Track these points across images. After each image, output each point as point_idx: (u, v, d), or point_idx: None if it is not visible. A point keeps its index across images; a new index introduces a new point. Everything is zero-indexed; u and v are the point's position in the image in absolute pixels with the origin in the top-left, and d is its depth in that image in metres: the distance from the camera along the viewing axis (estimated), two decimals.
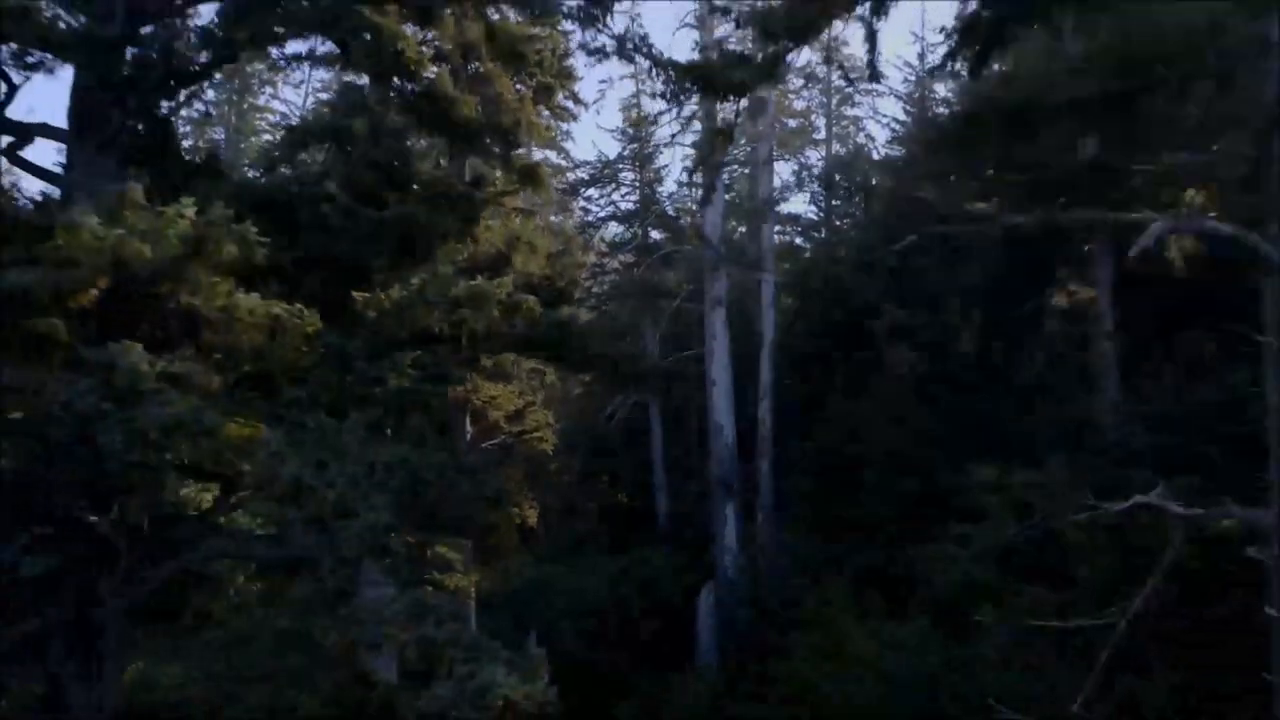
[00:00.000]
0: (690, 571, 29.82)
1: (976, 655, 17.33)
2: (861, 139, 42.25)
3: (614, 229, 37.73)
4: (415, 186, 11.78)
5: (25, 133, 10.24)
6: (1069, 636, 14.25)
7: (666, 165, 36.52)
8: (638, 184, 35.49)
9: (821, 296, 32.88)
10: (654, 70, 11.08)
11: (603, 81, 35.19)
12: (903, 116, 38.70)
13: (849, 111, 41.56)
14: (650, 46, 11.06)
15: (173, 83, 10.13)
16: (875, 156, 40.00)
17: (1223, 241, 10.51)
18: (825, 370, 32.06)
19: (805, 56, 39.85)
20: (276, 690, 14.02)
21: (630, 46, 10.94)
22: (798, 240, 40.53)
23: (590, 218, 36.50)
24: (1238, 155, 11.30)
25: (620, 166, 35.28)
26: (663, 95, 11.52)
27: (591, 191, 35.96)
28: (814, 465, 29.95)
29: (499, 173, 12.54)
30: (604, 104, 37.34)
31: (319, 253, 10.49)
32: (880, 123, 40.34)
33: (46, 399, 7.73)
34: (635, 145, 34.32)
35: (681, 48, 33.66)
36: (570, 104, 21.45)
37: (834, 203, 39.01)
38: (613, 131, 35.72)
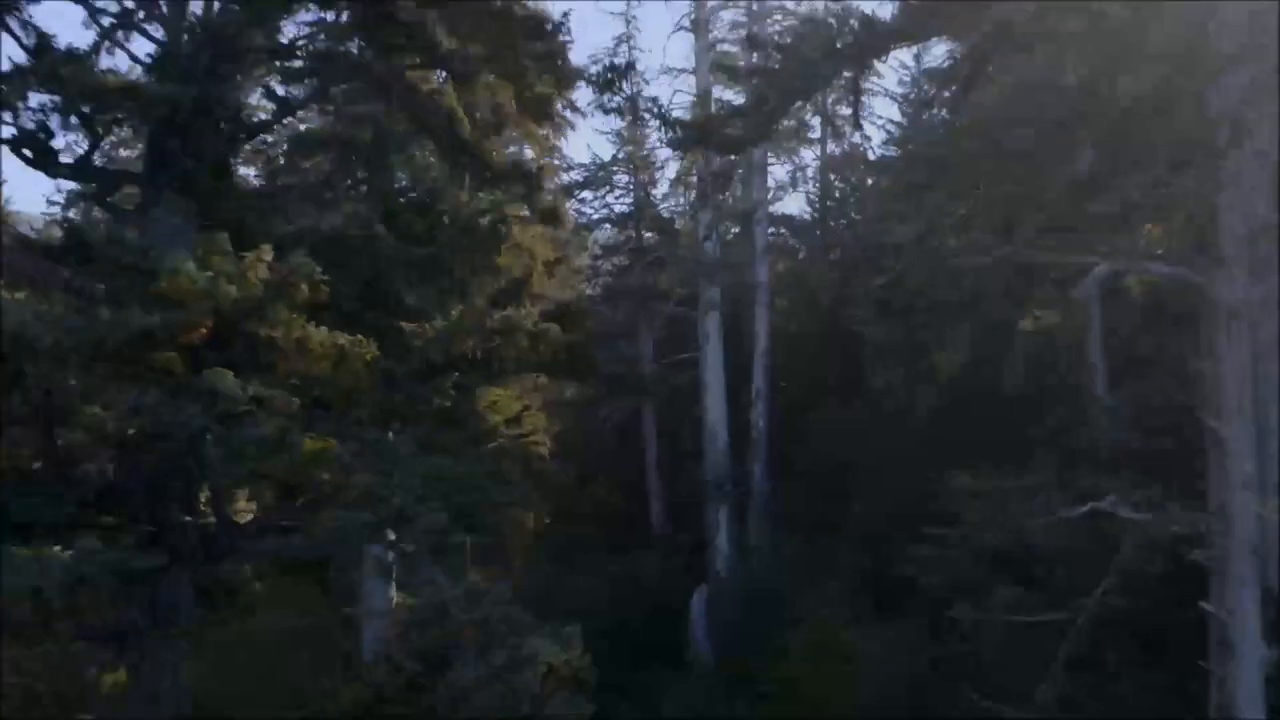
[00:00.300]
0: (684, 574, 31.73)
1: (966, 654, 19.35)
2: (857, 139, 44.06)
3: (608, 231, 39.61)
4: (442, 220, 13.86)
5: (113, 180, 12.25)
6: (1047, 634, 16.38)
7: (661, 168, 38.19)
8: (632, 187, 37.46)
9: (812, 303, 34.96)
10: (662, 128, 13.07)
11: None
12: (898, 117, 40.61)
13: (844, 111, 43.40)
14: (660, 107, 13.13)
15: (240, 135, 12.19)
16: (870, 157, 41.82)
17: None
18: (817, 374, 34.16)
19: None
20: (305, 679, 16.02)
21: (642, 107, 12.97)
22: (791, 242, 42.32)
23: (584, 220, 38.33)
24: (1189, 195, 13.37)
25: (614, 169, 37.22)
26: (668, 144, 13.50)
27: (585, 194, 37.82)
28: (807, 468, 32.04)
29: (524, 209, 14.60)
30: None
31: (364, 285, 12.54)
32: (875, 124, 42.12)
33: (161, 419, 9.77)
34: (630, 148, 36.26)
35: (677, 52, 35.38)
36: (568, 113, 23.38)
37: (828, 204, 41.00)
38: (607, 134, 37.68)
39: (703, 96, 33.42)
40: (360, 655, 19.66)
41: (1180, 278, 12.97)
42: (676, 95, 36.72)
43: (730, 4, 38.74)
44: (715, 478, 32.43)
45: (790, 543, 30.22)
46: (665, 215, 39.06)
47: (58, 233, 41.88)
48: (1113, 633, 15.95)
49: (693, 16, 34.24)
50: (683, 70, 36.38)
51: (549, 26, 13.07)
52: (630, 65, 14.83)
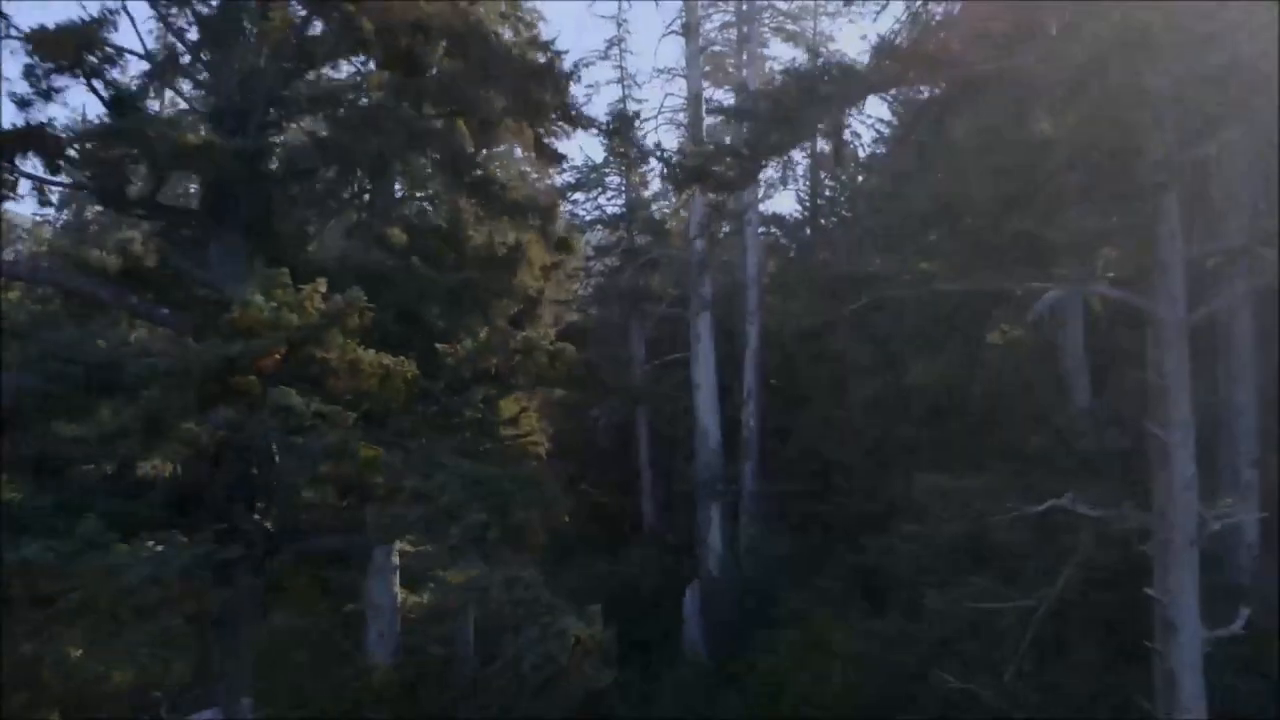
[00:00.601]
0: (676, 572, 33.80)
1: (946, 642, 21.62)
2: (847, 135, 46.11)
3: (600, 232, 41.78)
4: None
5: (180, 217, 14.49)
6: (1017, 621, 18.75)
7: (652, 169, 40.45)
8: (624, 188, 39.63)
9: (802, 303, 37.11)
10: (663, 170, 15.39)
11: (589, 86, 39.44)
12: (888, 115, 42.80)
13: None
14: (663, 151, 15.44)
15: (286, 176, 14.42)
16: (861, 154, 43.99)
17: None
18: (809, 373, 36.32)
19: (790, 53, 44.62)
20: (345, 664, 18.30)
21: (646, 151, 15.23)
22: (782, 241, 44.47)
23: (576, 221, 40.46)
24: (1132, 222, 15.76)
25: (606, 171, 39.37)
26: (668, 180, 15.76)
27: (577, 195, 39.98)
28: (797, 466, 34.18)
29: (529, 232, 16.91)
30: (590, 108, 41.34)
31: (400, 311, 14.80)
32: (865, 122, 44.39)
33: (241, 433, 12.03)
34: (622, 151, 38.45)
35: (669, 53, 37.23)
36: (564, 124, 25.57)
37: (818, 202, 43.17)
38: (599, 137, 39.78)
39: (693, 99, 35.71)
40: (365, 649, 21.89)
41: (1128, 300, 15.35)
42: (668, 99, 39.22)
43: (720, 5, 41.06)
44: (707, 476, 34.46)
45: (781, 540, 32.43)
46: (657, 217, 41.09)
47: (48, 232, 43.60)
48: (1074, 617, 18.32)
49: (684, 20, 36.35)
50: (674, 72, 38.75)
51: (562, 77, 15.37)
52: (636, 114, 17.10)
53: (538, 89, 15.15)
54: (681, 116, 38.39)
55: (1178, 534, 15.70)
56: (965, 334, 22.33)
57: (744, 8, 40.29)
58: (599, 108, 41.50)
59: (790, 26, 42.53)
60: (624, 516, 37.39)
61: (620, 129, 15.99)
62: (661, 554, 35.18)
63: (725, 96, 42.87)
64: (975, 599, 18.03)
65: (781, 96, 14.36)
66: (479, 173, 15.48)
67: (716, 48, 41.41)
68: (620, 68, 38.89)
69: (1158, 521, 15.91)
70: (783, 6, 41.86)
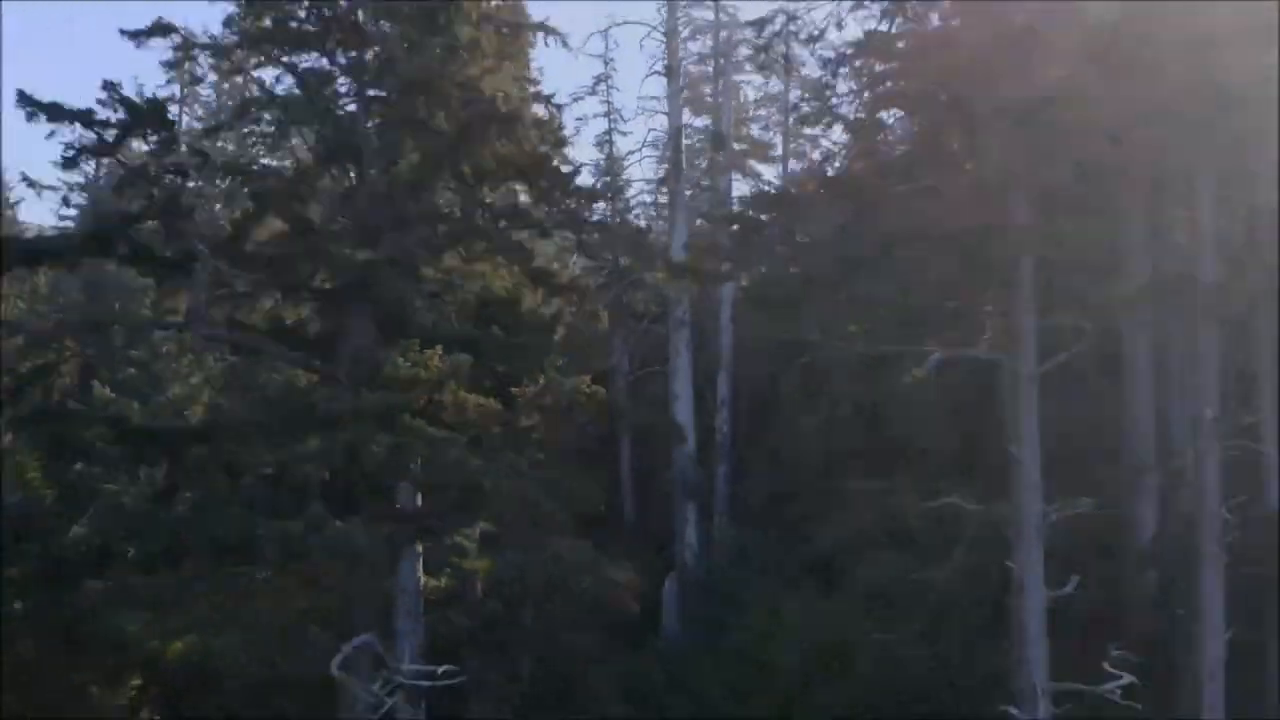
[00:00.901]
0: (655, 567, 40.27)
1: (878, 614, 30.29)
2: (817, 156, 53.95)
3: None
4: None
5: (329, 296, 23.19)
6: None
7: (637, 194, 49.00)
8: (609, 213, 47.65)
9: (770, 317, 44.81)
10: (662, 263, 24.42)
11: (579, 119, 47.84)
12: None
13: (806, 131, 53.58)
14: (667, 253, 24.41)
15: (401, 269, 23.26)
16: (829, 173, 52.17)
17: None
18: (777, 383, 44.10)
19: (762, 82, 53.13)
20: None
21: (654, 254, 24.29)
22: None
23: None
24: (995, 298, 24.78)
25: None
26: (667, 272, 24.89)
27: None
28: (766, 469, 41.87)
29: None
30: (578, 140, 49.64)
31: (482, 364, 23.56)
32: (834, 144, 52.34)
33: (401, 455, 20.76)
34: (608, 179, 46.83)
35: (652, 87, 43.99)
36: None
37: None
38: (588, 165, 47.94)
39: (674, 134, 44.25)
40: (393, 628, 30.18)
41: (994, 359, 24.34)
42: (651, 134, 47.77)
43: (699, 37, 49.37)
44: (684, 479, 42.21)
45: (749, 536, 40.28)
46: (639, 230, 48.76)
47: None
48: (965, 584, 27.29)
49: (665, 63, 44.93)
50: (656, 109, 47.27)
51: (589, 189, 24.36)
52: (650, 229, 25.93)
53: (582, 209, 24.00)
54: (663, 150, 47.18)
55: (1027, 523, 24.67)
56: (884, 376, 31.03)
57: (721, 36, 48.43)
58: (587, 138, 49.79)
59: (763, 56, 50.87)
60: (608, 516, 43.84)
61: (638, 245, 24.76)
62: (642, 551, 40.90)
63: (703, 121, 51.40)
64: (896, 573, 27.03)
65: (744, 219, 23.36)
66: (539, 264, 24.35)
67: (694, 66, 49.73)
68: (607, 102, 47.68)
69: (1014, 514, 24.88)
70: (758, 40, 50.11)
